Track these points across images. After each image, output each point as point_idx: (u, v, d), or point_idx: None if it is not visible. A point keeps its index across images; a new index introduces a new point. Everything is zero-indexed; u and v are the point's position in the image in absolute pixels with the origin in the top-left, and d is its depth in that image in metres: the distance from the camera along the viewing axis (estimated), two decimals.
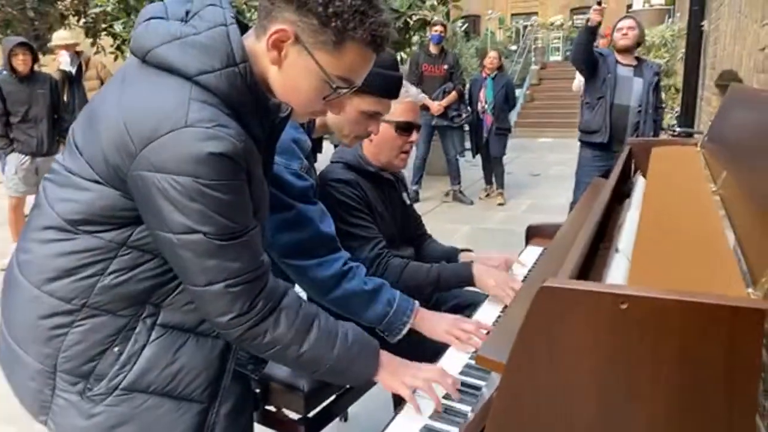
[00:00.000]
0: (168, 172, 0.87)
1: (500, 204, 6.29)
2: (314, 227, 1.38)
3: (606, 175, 3.56)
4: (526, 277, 1.76)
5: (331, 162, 1.75)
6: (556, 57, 16.97)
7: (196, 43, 0.92)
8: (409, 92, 1.66)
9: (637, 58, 3.94)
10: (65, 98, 5.40)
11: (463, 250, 1.96)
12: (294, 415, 1.68)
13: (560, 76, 13.32)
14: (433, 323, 1.42)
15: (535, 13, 20.15)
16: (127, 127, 0.89)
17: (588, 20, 3.67)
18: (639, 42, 3.91)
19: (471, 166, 7.32)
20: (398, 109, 1.61)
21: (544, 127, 11.94)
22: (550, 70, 14.57)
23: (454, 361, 1.29)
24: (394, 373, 1.17)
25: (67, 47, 5.40)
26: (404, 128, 1.69)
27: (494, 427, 0.77)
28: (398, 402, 2.14)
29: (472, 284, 1.69)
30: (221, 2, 0.97)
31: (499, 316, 1.48)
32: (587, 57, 3.83)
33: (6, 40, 4.82)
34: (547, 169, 8.33)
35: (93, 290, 0.96)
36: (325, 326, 1.08)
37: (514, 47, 15.33)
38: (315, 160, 1.60)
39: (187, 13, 0.96)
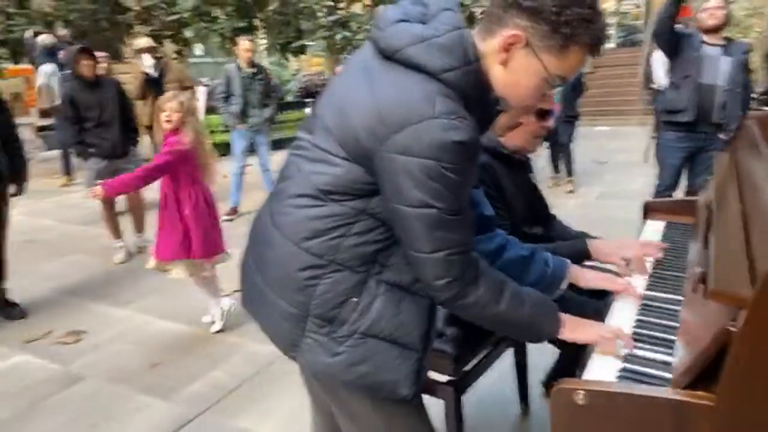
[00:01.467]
0: (415, 156, 1.00)
1: (570, 192, 6.25)
2: (479, 209, 1.52)
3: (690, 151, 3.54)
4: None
5: None
6: (610, 44, 16.62)
7: (440, 45, 1.04)
8: None
9: (726, 38, 3.88)
10: (150, 100, 5.77)
11: (590, 237, 1.98)
12: (441, 378, 1.80)
13: (615, 63, 13.05)
14: (586, 272, 1.54)
15: None
16: (381, 114, 1.02)
17: None
18: (726, 22, 3.85)
19: (535, 156, 7.25)
20: None
21: (600, 115, 11.73)
22: (604, 58, 14.23)
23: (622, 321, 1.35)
24: (576, 329, 1.25)
25: (149, 50, 5.86)
26: (541, 114, 1.79)
27: (745, 352, 0.86)
28: (521, 372, 2.26)
29: (589, 257, 1.74)
30: (454, 7, 1.10)
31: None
32: (671, 31, 3.78)
33: (68, 50, 5.00)
34: (611, 156, 8.23)
35: (339, 249, 1.11)
36: (513, 288, 1.19)
37: None
38: None
39: (423, 15, 1.09)
